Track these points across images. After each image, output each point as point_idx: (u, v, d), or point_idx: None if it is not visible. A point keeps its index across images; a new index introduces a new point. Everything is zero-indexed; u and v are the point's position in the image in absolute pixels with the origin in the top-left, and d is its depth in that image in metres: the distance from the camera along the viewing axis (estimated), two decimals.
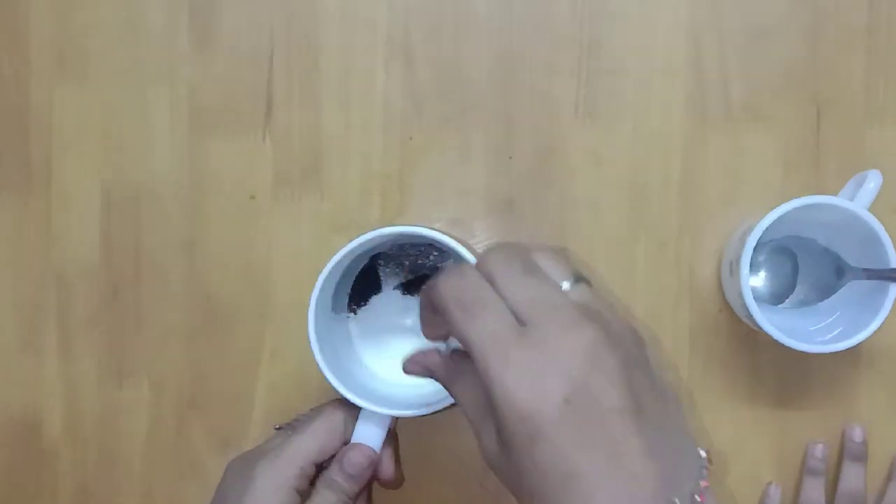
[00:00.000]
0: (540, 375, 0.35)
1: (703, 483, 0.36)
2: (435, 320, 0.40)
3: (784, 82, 0.59)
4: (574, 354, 0.35)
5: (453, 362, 0.40)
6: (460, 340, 0.37)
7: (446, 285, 0.38)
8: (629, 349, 0.37)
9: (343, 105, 0.60)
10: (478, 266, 0.39)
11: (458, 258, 0.49)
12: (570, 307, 0.37)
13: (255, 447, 0.51)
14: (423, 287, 0.41)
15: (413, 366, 0.43)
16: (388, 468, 0.51)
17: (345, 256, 0.49)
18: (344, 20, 0.60)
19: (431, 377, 0.42)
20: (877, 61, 0.59)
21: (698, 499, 0.36)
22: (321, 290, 0.49)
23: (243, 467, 0.49)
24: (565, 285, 0.39)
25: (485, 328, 0.36)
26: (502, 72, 0.60)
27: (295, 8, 0.60)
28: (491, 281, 0.38)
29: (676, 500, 0.35)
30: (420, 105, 0.60)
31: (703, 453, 0.38)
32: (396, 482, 0.52)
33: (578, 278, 0.39)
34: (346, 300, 0.55)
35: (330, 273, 0.49)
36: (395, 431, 0.52)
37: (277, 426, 0.53)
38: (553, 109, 0.60)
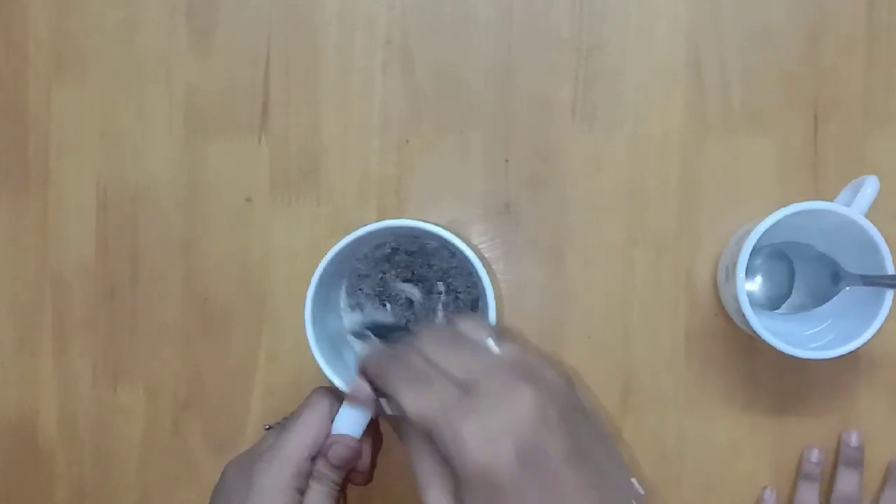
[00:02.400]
0: (493, 436, 0.37)
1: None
2: (363, 391, 0.45)
3: (782, 87, 0.59)
4: (520, 413, 0.38)
5: (403, 418, 0.42)
6: (412, 415, 0.40)
7: (387, 366, 0.43)
8: (565, 396, 0.40)
9: (340, 107, 0.60)
10: (411, 348, 0.43)
11: (462, 256, 0.49)
12: (504, 369, 0.40)
13: (249, 449, 0.51)
14: (360, 361, 0.46)
15: (361, 394, 0.46)
16: (364, 460, 0.52)
17: (351, 244, 0.49)
18: (342, 22, 0.60)
19: (375, 414, 0.46)
20: (875, 67, 0.59)
21: None
22: (321, 276, 0.49)
23: (241, 472, 0.50)
24: (491, 345, 0.42)
25: (434, 401, 0.39)
26: (500, 75, 0.60)
27: (293, 9, 0.60)
28: (429, 358, 0.41)
29: None
30: (418, 108, 0.60)
31: (636, 483, 0.41)
32: (367, 477, 0.53)
33: (501, 334, 0.42)
34: (344, 297, 0.55)
35: (331, 261, 0.49)
36: (379, 432, 0.53)
37: (268, 426, 0.53)
38: (551, 113, 0.60)
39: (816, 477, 0.58)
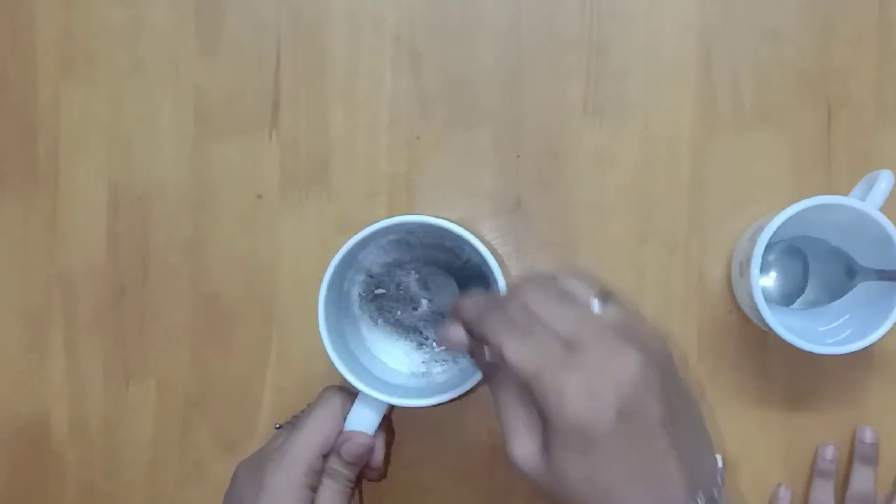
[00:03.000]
0: (595, 394, 0.38)
1: (719, 476, 0.41)
2: (458, 335, 0.44)
3: (794, 83, 0.59)
4: (625, 376, 0.39)
5: (495, 365, 0.42)
6: (514, 363, 0.40)
7: (489, 312, 0.42)
8: (665, 363, 0.41)
9: (350, 105, 0.60)
10: (513, 296, 0.43)
11: (474, 251, 0.49)
12: (611, 331, 0.40)
13: (259, 449, 0.51)
14: (456, 303, 0.45)
15: (453, 341, 0.45)
16: (378, 456, 0.52)
17: (363, 240, 0.49)
18: (351, 20, 0.60)
19: (469, 356, 0.45)
20: (888, 62, 0.58)
21: (716, 494, 0.40)
22: (334, 273, 0.49)
23: (252, 472, 0.50)
24: (595, 305, 0.42)
25: (538, 351, 0.40)
26: (510, 71, 0.59)
27: (301, 8, 0.60)
28: (532, 310, 0.41)
29: (700, 496, 0.39)
30: (427, 105, 0.60)
31: (719, 459, 0.42)
32: (381, 473, 0.53)
33: (606, 296, 0.42)
34: (359, 292, 0.55)
35: (344, 257, 0.49)
36: (391, 426, 0.53)
37: (278, 425, 0.53)
38: (561, 110, 0.59)
39: (831, 474, 0.57)
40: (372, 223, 0.49)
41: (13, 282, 0.61)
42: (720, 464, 0.42)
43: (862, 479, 0.57)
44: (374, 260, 0.54)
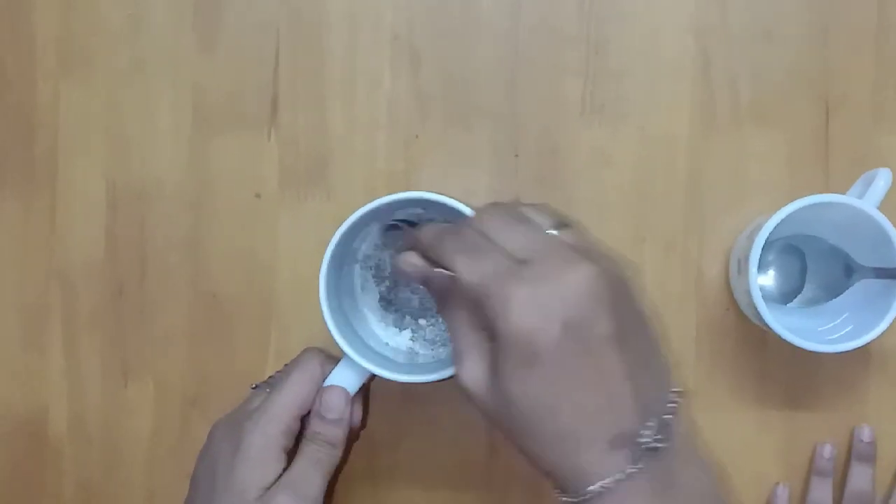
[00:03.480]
0: (542, 304, 0.38)
1: (674, 405, 0.40)
2: (413, 261, 0.44)
3: (792, 81, 0.59)
4: (573, 287, 0.38)
5: (451, 284, 0.42)
6: (464, 281, 0.40)
7: (444, 236, 0.42)
8: (619, 281, 0.40)
9: (349, 104, 0.60)
10: (471, 221, 0.43)
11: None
12: (565, 247, 0.40)
13: (236, 409, 0.51)
14: (413, 230, 0.46)
15: (408, 266, 0.45)
16: (356, 414, 0.51)
17: (364, 217, 0.49)
18: (350, 19, 0.60)
19: (423, 284, 0.46)
20: (886, 61, 0.58)
21: (670, 422, 0.39)
22: (338, 244, 0.50)
23: (228, 431, 0.49)
24: (552, 231, 0.42)
25: (487, 267, 0.39)
26: (508, 71, 0.60)
27: (300, 6, 0.60)
28: (487, 233, 0.41)
29: (651, 421, 0.38)
30: (426, 104, 0.60)
31: (673, 381, 0.41)
32: (354, 436, 0.53)
33: (564, 224, 0.42)
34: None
35: (345, 233, 0.50)
36: (367, 403, 0.53)
37: (254, 385, 0.53)
38: (559, 109, 0.59)
39: (829, 473, 0.57)
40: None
41: (12, 280, 0.61)
42: (676, 392, 0.41)
43: (860, 477, 0.57)
44: (374, 239, 0.55)
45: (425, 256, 0.44)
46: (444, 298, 0.43)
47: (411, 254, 0.44)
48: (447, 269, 0.41)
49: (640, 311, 0.41)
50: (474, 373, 0.40)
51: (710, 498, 0.41)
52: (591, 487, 0.37)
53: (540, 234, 0.41)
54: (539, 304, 0.38)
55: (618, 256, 0.42)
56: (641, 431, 0.38)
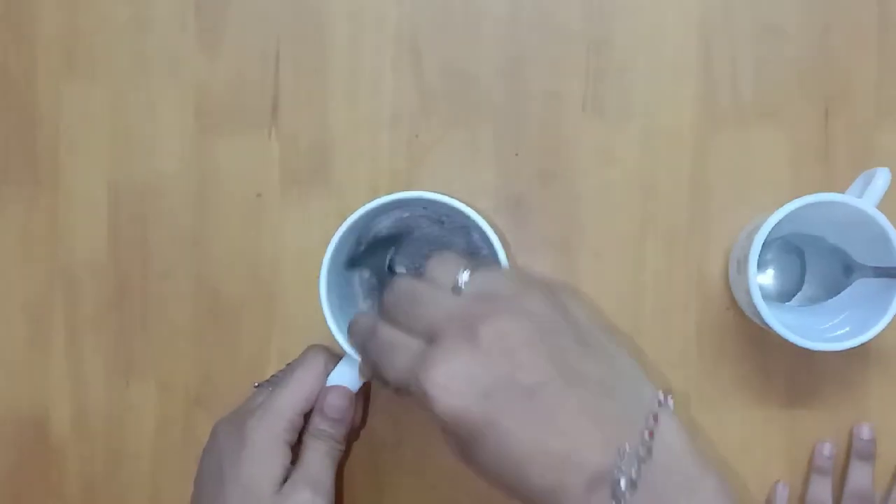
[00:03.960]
0: (452, 385, 0.36)
1: (653, 415, 0.37)
2: (367, 371, 0.46)
3: (793, 79, 0.59)
4: (477, 354, 0.37)
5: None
6: (394, 386, 0.40)
7: (363, 342, 0.42)
8: (540, 317, 0.38)
9: (350, 103, 0.60)
10: (379, 316, 0.42)
11: (480, 233, 0.50)
12: (462, 310, 0.39)
13: (239, 407, 0.52)
14: (348, 335, 0.45)
15: (367, 376, 0.46)
16: (357, 412, 0.53)
17: (365, 216, 0.50)
18: (351, 17, 0.60)
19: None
20: (887, 59, 0.58)
21: (647, 437, 0.36)
22: (338, 243, 0.50)
23: (232, 428, 0.50)
24: (462, 279, 0.40)
25: (399, 365, 0.39)
26: (510, 69, 0.60)
27: (302, 5, 0.60)
28: (396, 319, 0.41)
29: (626, 446, 0.36)
30: (427, 102, 0.60)
31: (659, 395, 0.38)
32: (355, 434, 0.54)
33: (472, 268, 0.40)
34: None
35: (350, 227, 0.50)
36: (368, 396, 0.53)
37: (257, 384, 0.54)
38: (561, 106, 0.59)
39: (829, 471, 0.58)
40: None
41: (15, 279, 0.61)
42: (658, 400, 0.38)
43: (860, 475, 0.57)
44: (375, 237, 0.55)
45: None
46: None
47: (365, 365, 0.44)
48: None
49: (576, 336, 0.39)
50: (454, 454, 0.39)
51: None
52: None
53: (438, 304, 0.40)
54: (451, 387, 0.37)
55: (535, 283, 0.40)
56: (616, 465, 0.36)
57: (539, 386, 0.37)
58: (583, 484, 0.36)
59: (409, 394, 0.39)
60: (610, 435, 0.36)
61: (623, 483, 0.35)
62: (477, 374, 0.37)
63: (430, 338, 0.39)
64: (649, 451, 0.36)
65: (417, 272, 0.46)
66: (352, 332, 0.45)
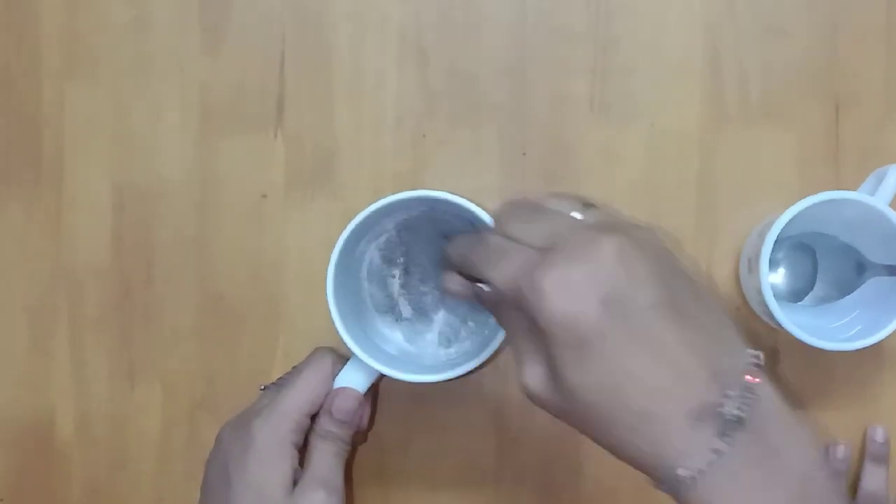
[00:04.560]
0: (574, 286, 0.36)
1: (753, 370, 0.37)
2: (456, 283, 0.43)
3: (802, 78, 0.58)
4: (600, 261, 0.37)
5: (494, 295, 0.41)
6: (499, 286, 0.39)
7: (469, 249, 0.42)
8: (656, 251, 0.39)
9: (355, 103, 0.60)
10: (493, 227, 0.43)
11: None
12: (586, 226, 0.39)
13: (244, 410, 0.52)
14: (445, 248, 0.45)
15: (452, 288, 0.44)
16: (363, 421, 0.52)
17: (372, 215, 0.50)
18: (355, 18, 0.60)
19: (475, 300, 0.43)
20: (895, 57, 0.58)
21: (749, 380, 0.36)
22: (345, 244, 0.50)
23: (238, 430, 0.50)
24: (576, 214, 0.41)
25: (511, 266, 0.39)
26: (515, 69, 0.59)
27: (306, 5, 0.60)
28: (509, 233, 0.41)
29: (728, 390, 0.35)
30: (432, 103, 0.59)
31: (750, 351, 0.38)
32: (363, 437, 0.54)
33: (587, 205, 0.41)
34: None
35: (353, 230, 0.50)
36: (376, 399, 0.53)
37: (262, 386, 0.53)
38: (567, 107, 0.59)
39: (843, 473, 0.57)
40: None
41: (18, 281, 0.61)
42: (754, 355, 0.37)
43: (873, 478, 0.57)
44: (383, 236, 0.55)
45: (462, 274, 0.43)
46: (496, 310, 0.42)
47: (451, 275, 0.44)
48: (483, 282, 0.41)
49: (689, 277, 0.39)
50: (535, 377, 0.39)
51: (812, 464, 0.37)
52: (682, 472, 0.35)
53: (561, 220, 0.40)
54: (571, 288, 0.36)
55: (652, 227, 0.40)
56: (721, 401, 0.35)
57: (652, 310, 0.36)
58: (687, 415, 0.35)
59: (517, 300, 0.38)
60: (717, 373, 0.36)
61: (730, 417, 0.35)
62: (598, 281, 0.36)
63: (550, 246, 0.38)
64: (752, 392, 0.36)
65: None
66: (453, 246, 0.44)
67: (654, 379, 0.36)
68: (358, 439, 0.53)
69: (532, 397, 0.39)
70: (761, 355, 0.38)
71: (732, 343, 0.38)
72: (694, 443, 0.35)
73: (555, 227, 0.40)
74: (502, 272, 0.39)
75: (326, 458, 0.49)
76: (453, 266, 0.44)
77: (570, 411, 0.38)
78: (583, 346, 0.36)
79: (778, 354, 0.58)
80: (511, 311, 0.39)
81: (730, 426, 0.35)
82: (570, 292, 0.36)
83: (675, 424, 0.35)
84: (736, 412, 0.35)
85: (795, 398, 0.58)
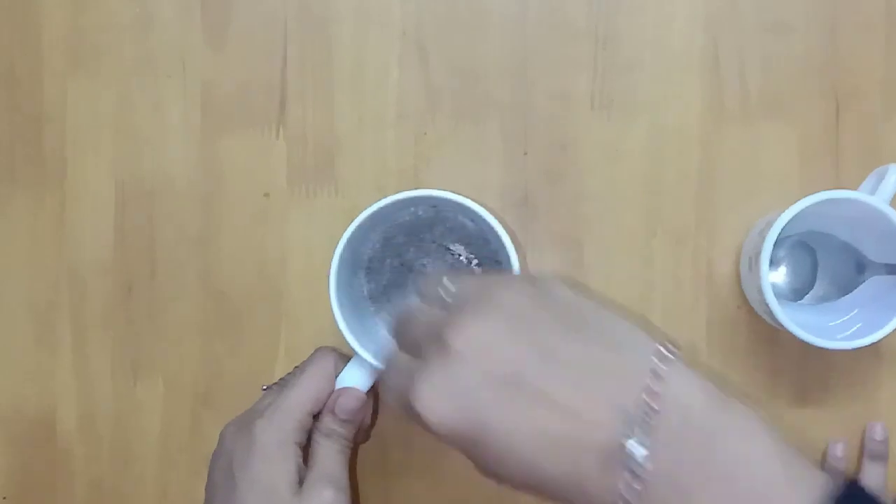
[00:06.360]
0: (435, 398, 0.36)
1: (653, 378, 0.34)
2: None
3: (802, 75, 0.58)
4: (450, 360, 0.36)
5: None
6: (394, 406, 0.39)
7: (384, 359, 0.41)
8: (511, 308, 0.37)
9: (357, 100, 0.60)
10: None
11: (490, 230, 0.50)
12: (438, 321, 0.37)
13: (248, 410, 0.52)
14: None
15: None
16: (366, 419, 0.52)
17: (374, 215, 0.50)
18: (358, 15, 0.60)
19: None
20: None
21: (647, 396, 0.34)
22: (348, 242, 0.50)
23: (241, 429, 0.50)
24: (443, 290, 0.39)
25: (397, 382, 0.38)
26: (517, 66, 0.59)
27: (309, 3, 0.60)
28: (398, 345, 0.41)
29: (629, 409, 0.33)
30: (434, 100, 0.60)
31: (661, 348, 0.36)
32: (365, 436, 0.53)
33: (452, 278, 0.40)
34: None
35: (355, 231, 0.50)
36: (378, 396, 0.54)
37: (265, 386, 0.53)
38: (569, 104, 0.59)
39: (841, 471, 0.57)
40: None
41: (22, 278, 0.61)
42: (658, 355, 0.35)
43: (872, 475, 0.57)
44: (384, 236, 0.55)
45: None
46: None
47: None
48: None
49: (561, 310, 0.37)
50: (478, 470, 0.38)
51: (745, 460, 0.34)
52: None
53: (424, 317, 0.39)
54: (435, 399, 0.36)
55: (521, 276, 0.40)
56: (624, 434, 0.33)
57: (518, 374, 0.35)
58: (596, 463, 0.34)
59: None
60: (608, 403, 0.34)
61: (636, 453, 0.33)
62: (453, 382, 0.36)
63: (417, 355, 0.38)
64: (654, 410, 0.33)
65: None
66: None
67: (552, 438, 0.34)
68: (360, 438, 0.53)
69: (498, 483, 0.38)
70: (666, 347, 0.36)
71: (627, 353, 0.36)
72: (609, 491, 0.33)
73: (416, 331, 0.39)
74: (392, 398, 0.39)
75: (332, 456, 0.50)
76: None
77: (518, 489, 0.37)
78: (474, 444, 0.35)
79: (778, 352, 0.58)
80: None
81: (636, 465, 0.33)
82: (435, 406, 0.35)
83: (592, 476, 0.34)
84: (641, 442, 0.33)
85: (795, 396, 0.58)
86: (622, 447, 0.33)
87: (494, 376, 0.35)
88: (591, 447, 0.34)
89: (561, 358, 0.35)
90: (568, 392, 0.35)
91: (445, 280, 0.40)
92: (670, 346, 0.36)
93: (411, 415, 0.37)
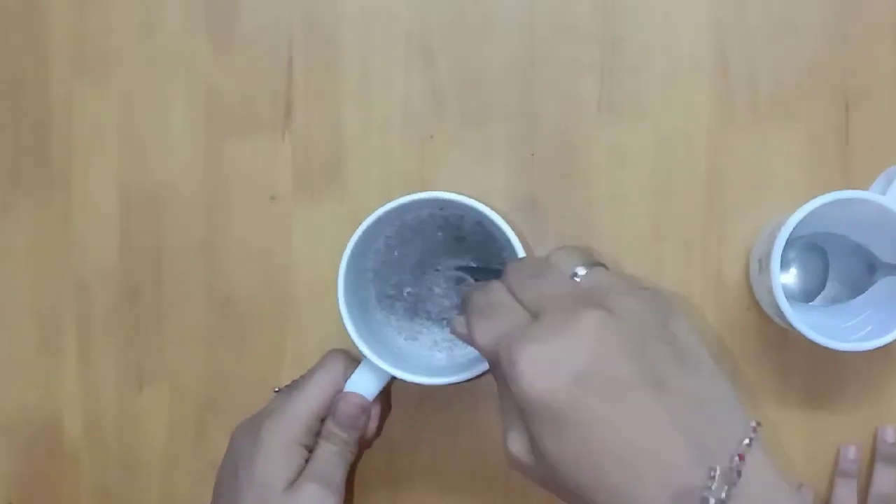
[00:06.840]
0: (545, 363, 0.36)
1: (744, 447, 0.35)
2: (460, 327, 0.43)
3: (812, 76, 0.58)
4: (577, 337, 0.36)
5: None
6: (477, 347, 0.40)
7: (471, 296, 0.42)
8: (642, 322, 0.38)
9: (363, 104, 0.60)
10: (502, 277, 0.42)
11: (500, 231, 0.50)
12: (573, 295, 0.39)
13: (258, 412, 0.52)
14: (463, 294, 0.45)
15: (458, 332, 0.43)
16: (371, 425, 0.52)
17: (382, 218, 0.50)
18: (363, 18, 0.60)
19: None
20: None
21: (737, 460, 0.34)
22: (355, 246, 0.50)
23: (249, 431, 0.51)
24: (580, 272, 0.41)
25: (497, 330, 0.39)
26: (524, 68, 0.59)
27: (314, 6, 0.60)
28: (511, 288, 0.41)
29: (718, 468, 0.34)
30: (441, 103, 0.59)
31: (751, 422, 0.37)
32: (369, 443, 0.53)
33: (592, 264, 0.41)
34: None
35: (363, 234, 0.50)
36: (389, 400, 0.54)
37: (277, 389, 0.53)
38: (576, 106, 0.59)
39: (854, 474, 0.57)
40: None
41: (26, 283, 0.61)
42: (751, 430, 0.36)
43: (884, 479, 0.56)
44: (391, 240, 0.55)
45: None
46: (494, 370, 0.41)
47: (459, 318, 0.43)
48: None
49: (678, 346, 0.38)
50: (517, 446, 0.38)
51: None
52: None
53: (558, 283, 0.40)
54: (544, 365, 0.36)
55: (653, 292, 0.40)
56: (706, 484, 0.33)
57: (630, 386, 0.36)
58: (667, 496, 0.34)
59: (495, 367, 0.38)
60: (701, 452, 0.35)
61: (711, 500, 0.33)
62: (567, 356, 0.36)
63: (536, 313, 0.38)
64: (740, 475, 0.34)
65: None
66: (466, 292, 0.44)
67: (632, 457, 0.35)
68: (363, 444, 0.53)
69: (515, 465, 0.39)
70: (756, 425, 0.37)
71: (725, 415, 0.37)
72: None
73: (547, 291, 0.39)
74: (484, 336, 0.39)
75: (326, 455, 0.50)
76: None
77: (551, 482, 0.37)
78: (557, 422, 0.35)
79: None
80: (502, 384, 0.39)
81: None
82: (542, 369, 0.36)
83: (653, 502, 0.34)
84: (719, 497, 0.33)
85: (806, 399, 0.58)
86: (704, 499, 0.33)
87: (606, 375, 0.36)
88: (671, 481, 0.34)
89: (670, 388, 0.36)
90: (667, 423, 0.35)
91: (581, 267, 0.41)
92: (758, 425, 0.37)
93: (501, 361, 0.37)
